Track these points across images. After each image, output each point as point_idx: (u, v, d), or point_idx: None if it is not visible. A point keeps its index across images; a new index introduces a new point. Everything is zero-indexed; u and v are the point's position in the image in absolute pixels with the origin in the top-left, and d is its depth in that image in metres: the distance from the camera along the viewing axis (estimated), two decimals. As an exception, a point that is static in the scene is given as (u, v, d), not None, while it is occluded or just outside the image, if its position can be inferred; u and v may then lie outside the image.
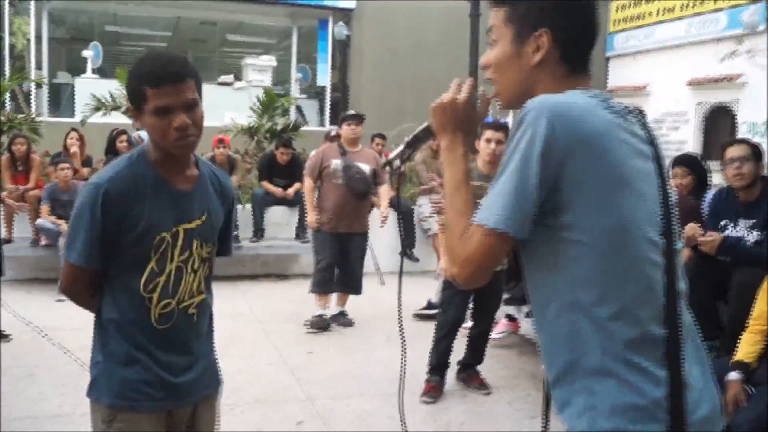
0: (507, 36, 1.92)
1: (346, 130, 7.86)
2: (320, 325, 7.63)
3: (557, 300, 1.79)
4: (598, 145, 1.71)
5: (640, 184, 1.77)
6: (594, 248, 1.72)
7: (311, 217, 7.69)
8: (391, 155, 2.24)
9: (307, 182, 7.82)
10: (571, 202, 1.71)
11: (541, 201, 1.71)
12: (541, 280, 1.83)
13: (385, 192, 8.10)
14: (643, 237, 1.75)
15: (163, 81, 2.33)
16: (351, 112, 8.03)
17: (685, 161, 5.95)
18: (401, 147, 2.21)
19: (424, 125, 2.13)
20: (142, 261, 2.45)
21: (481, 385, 5.98)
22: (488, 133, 5.76)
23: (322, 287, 7.77)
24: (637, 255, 1.74)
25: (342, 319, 7.94)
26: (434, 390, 5.81)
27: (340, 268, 7.87)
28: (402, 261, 2.67)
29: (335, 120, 19.28)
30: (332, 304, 7.95)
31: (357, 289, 7.96)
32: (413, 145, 2.19)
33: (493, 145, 5.67)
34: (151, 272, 2.46)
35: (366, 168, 7.73)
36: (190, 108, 2.37)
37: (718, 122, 16.39)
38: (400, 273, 2.52)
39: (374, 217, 8.54)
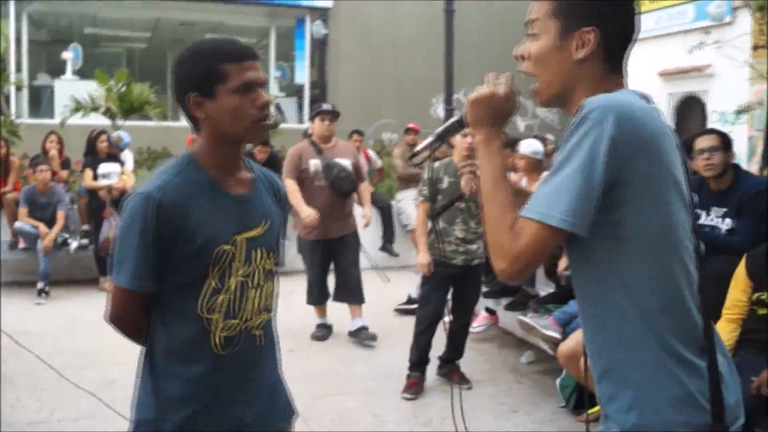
0: (551, 30, 1.91)
1: (320, 125, 7.20)
2: (324, 335, 7.33)
3: (607, 295, 1.82)
4: (657, 148, 1.76)
5: (683, 186, 1.83)
6: (645, 245, 1.77)
7: (305, 213, 6.72)
8: (419, 146, 2.24)
9: (289, 183, 6.93)
10: (626, 201, 1.74)
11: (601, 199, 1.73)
12: (590, 276, 1.87)
13: (366, 189, 7.57)
14: (685, 234, 1.82)
15: (245, 56, 2.17)
16: (326, 106, 7.39)
17: None
18: (430, 138, 2.20)
19: (455, 117, 2.14)
20: (200, 278, 2.17)
21: (462, 380, 5.99)
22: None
23: (318, 299, 7.35)
24: (681, 251, 1.81)
25: (364, 335, 7.14)
26: (415, 386, 5.82)
27: (336, 275, 7.31)
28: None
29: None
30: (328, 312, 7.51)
31: (360, 297, 7.22)
32: (443, 137, 2.21)
33: (469, 139, 5.68)
34: (211, 290, 2.18)
35: (347, 163, 7.13)
36: (263, 88, 2.23)
37: (689, 112, 16.52)
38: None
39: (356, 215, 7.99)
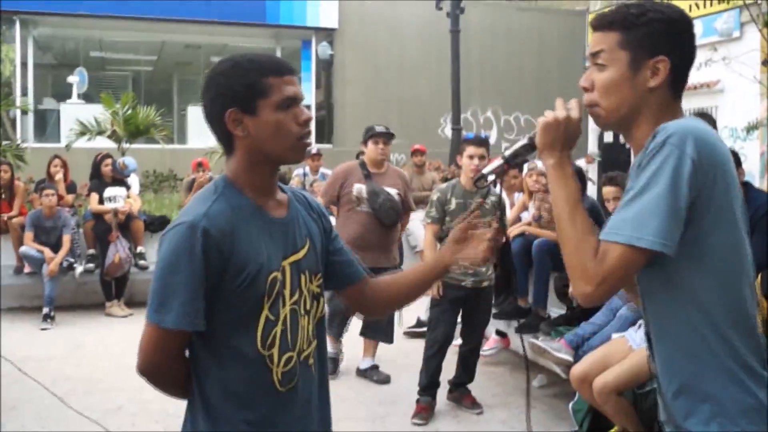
0: (621, 60, 1.95)
1: (373, 149, 6.62)
2: (333, 369, 6.68)
3: (680, 313, 1.88)
4: (728, 171, 1.84)
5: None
6: (718, 263, 1.84)
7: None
8: (486, 169, 2.20)
9: (334, 213, 6.67)
10: (703, 221, 1.81)
11: None
12: (663, 295, 1.91)
13: (407, 220, 7.07)
14: (747, 252, 1.91)
15: (287, 70, 2.06)
16: (378, 128, 6.76)
17: None
18: (498, 162, 2.17)
19: (523, 141, 2.12)
20: (253, 311, 1.99)
21: (474, 404, 5.91)
22: (470, 149, 5.73)
23: (339, 330, 6.78)
24: (745, 269, 1.90)
25: (376, 375, 6.73)
26: (425, 411, 5.73)
27: None
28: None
29: (320, 138, 19.30)
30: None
31: (389, 337, 6.74)
32: (512, 160, 2.18)
33: (476, 161, 5.62)
34: (267, 322, 2.01)
35: (394, 193, 6.57)
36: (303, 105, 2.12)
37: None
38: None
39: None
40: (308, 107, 20.41)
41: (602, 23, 2.00)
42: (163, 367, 2.01)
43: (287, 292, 2.05)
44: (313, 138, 19.52)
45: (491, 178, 2.19)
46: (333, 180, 6.73)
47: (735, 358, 1.83)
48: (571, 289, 5.80)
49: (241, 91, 2.00)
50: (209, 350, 2.02)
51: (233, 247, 1.95)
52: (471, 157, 5.68)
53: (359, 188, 6.50)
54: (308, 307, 2.13)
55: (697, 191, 1.77)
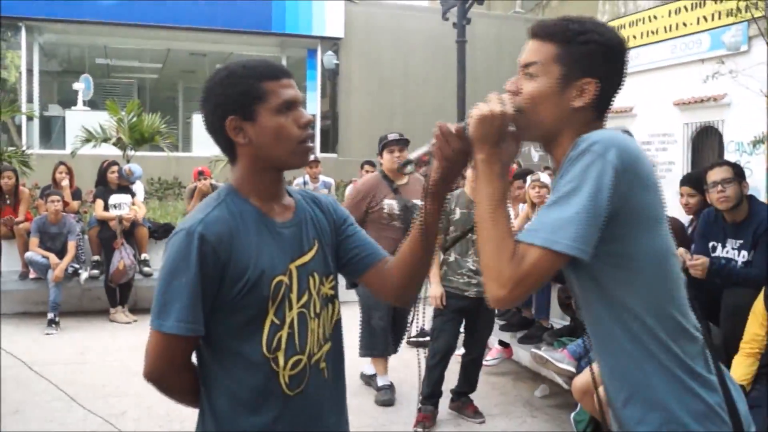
0: (553, 74, 1.94)
1: (389, 159, 6.41)
2: (390, 398, 6.30)
3: (617, 323, 1.89)
4: (650, 181, 1.85)
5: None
6: (644, 272, 1.85)
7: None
8: (413, 155, 2.14)
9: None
10: (625, 231, 1.82)
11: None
12: (599, 306, 1.92)
13: None
14: (675, 258, 1.93)
15: (283, 74, 2.05)
16: (391, 136, 6.53)
17: (692, 181, 5.86)
18: (424, 148, 2.10)
19: (427, 148, 2.06)
20: (258, 315, 1.99)
21: (476, 413, 5.92)
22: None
23: (380, 349, 6.43)
24: (677, 274, 1.92)
25: (389, 397, 6.38)
26: (427, 420, 5.74)
27: (395, 324, 6.50)
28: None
29: (325, 147, 19.34)
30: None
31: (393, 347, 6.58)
32: (416, 163, 2.18)
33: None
34: (272, 326, 2.01)
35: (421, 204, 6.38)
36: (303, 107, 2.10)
37: (706, 142, 16.43)
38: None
39: None
40: (313, 116, 20.56)
41: (542, 32, 1.98)
42: (167, 372, 2.01)
43: (294, 296, 2.05)
44: (317, 147, 19.66)
45: (410, 168, 2.19)
46: (359, 196, 6.42)
47: (679, 364, 1.85)
48: (574, 300, 5.83)
49: (239, 99, 2.00)
50: (215, 356, 2.02)
51: (231, 252, 1.95)
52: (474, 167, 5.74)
53: (390, 205, 6.28)
54: (318, 309, 2.12)
55: (620, 200, 1.77)
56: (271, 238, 2.05)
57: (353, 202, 6.41)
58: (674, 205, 5.82)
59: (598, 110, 1.97)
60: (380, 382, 6.45)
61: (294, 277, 2.06)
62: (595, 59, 1.91)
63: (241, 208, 2.03)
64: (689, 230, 5.68)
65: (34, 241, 9.07)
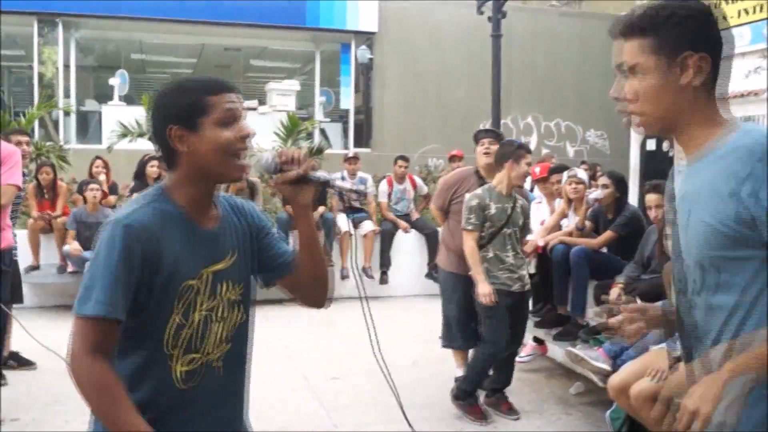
0: (658, 65, 1.94)
1: (478, 153, 6.30)
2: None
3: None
4: None
5: None
6: None
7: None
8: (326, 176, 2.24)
9: (436, 214, 6.53)
10: None
11: None
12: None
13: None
14: None
15: (226, 88, 2.17)
16: (487, 127, 6.61)
17: None
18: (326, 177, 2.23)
19: (326, 177, 2.21)
20: (164, 313, 2.10)
21: (510, 410, 5.90)
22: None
23: (458, 342, 6.34)
24: None
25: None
26: (481, 412, 5.88)
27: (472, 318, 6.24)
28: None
29: (359, 142, 19.34)
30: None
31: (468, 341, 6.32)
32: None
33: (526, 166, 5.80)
34: (176, 325, 2.12)
35: None
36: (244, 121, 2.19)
37: (746, 138, 16.27)
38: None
39: None
40: (346, 111, 20.62)
41: (630, 30, 1.98)
42: (90, 359, 1.99)
43: (202, 299, 2.17)
44: (351, 142, 19.68)
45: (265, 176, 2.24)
46: (446, 185, 6.47)
47: None
48: (611, 297, 5.78)
49: (184, 110, 2.12)
50: (118, 346, 2.10)
51: (151, 247, 2.05)
52: (516, 160, 5.72)
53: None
54: (223, 313, 2.24)
55: None
56: (191, 243, 2.16)
57: (438, 191, 6.55)
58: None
59: (713, 82, 1.97)
60: (457, 373, 6.31)
61: (207, 282, 2.18)
62: (694, 34, 1.92)
63: (168, 211, 2.14)
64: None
65: (71, 233, 9.19)
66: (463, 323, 6.19)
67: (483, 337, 5.88)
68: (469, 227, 5.73)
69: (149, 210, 2.11)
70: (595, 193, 6.70)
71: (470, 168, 6.52)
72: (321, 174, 2.08)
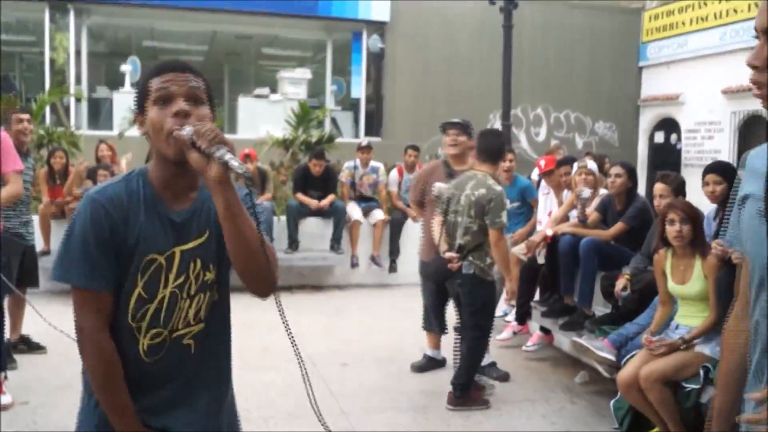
0: None
1: (445, 141, 6.42)
2: (425, 366, 6.79)
3: None
4: None
5: None
6: None
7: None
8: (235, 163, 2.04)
9: (414, 208, 6.73)
10: None
11: None
12: None
13: None
14: None
15: (165, 69, 2.18)
16: (454, 119, 6.45)
17: (718, 169, 5.71)
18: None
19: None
20: (128, 286, 2.17)
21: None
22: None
23: (431, 325, 6.80)
24: None
25: (495, 372, 6.57)
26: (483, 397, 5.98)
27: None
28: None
29: (369, 131, 19.35)
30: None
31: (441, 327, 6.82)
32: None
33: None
34: (139, 299, 2.19)
35: None
36: (194, 101, 2.16)
37: (754, 131, 16.20)
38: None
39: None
40: (357, 100, 20.61)
41: None
42: (93, 327, 2.18)
43: (172, 276, 2.22)
44: (362, 131, 19.68)
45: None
46: (414, 182, 6.65)
47: None
48: (616, 288, 5.82)
49: (137, 96, 2.23)
50: None
51: (117, 222, 2.14)
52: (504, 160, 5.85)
53: (439, 188, 5.98)
54: (192, 292, 2.26)
55: None
56: (159, 221, 2.20)
57: (412, 186, 6.72)
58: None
59: None
60: (428, 351, 6.86)
61: (176, 259, 2.22)
62: None
63: (141, 189, 2.21)
64: (716, 220, 5.55)
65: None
66: (435, 310, 6.66)
67: (465, 324, 6.00)
68: (499, 226, 5.67)
69: (121, 185, 2.20)
70: (586, 192, 6.74)
71: (439, 160, 6.82)
72: (221, 153, 1.97)
